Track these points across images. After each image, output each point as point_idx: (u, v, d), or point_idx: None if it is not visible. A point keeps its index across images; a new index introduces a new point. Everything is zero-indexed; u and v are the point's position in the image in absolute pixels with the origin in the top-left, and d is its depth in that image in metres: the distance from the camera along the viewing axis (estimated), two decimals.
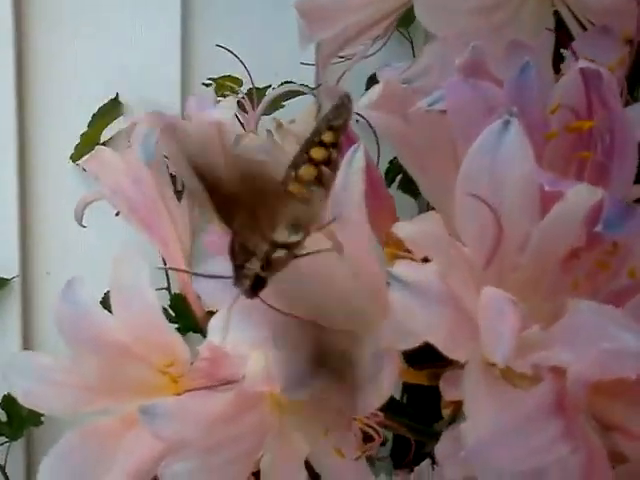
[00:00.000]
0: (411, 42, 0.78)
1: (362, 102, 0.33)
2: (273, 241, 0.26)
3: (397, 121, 0.33)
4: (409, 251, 0.25)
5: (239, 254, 0.25)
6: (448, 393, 0.32)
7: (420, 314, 0.21)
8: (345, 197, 0.28)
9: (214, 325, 0.26)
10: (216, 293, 0.29)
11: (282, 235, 0.26)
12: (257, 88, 0.59)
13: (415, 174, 0.35)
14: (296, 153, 0.29)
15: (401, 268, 0.21)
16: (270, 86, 0.66)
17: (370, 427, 0.30)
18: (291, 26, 0.44)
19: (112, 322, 0.31)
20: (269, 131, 0.34)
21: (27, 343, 0.77)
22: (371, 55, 0.47)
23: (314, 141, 0.29)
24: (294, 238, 0.26)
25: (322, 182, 0.28)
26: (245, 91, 0.58)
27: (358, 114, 0.34)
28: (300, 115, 0.38)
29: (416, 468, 0.41)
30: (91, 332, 0.31)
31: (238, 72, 0.64)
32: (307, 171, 0.28)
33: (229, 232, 0.26)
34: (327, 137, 0.28)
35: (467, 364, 0.23)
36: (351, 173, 0.28)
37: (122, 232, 0.79)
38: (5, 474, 0.72)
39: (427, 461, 0.41)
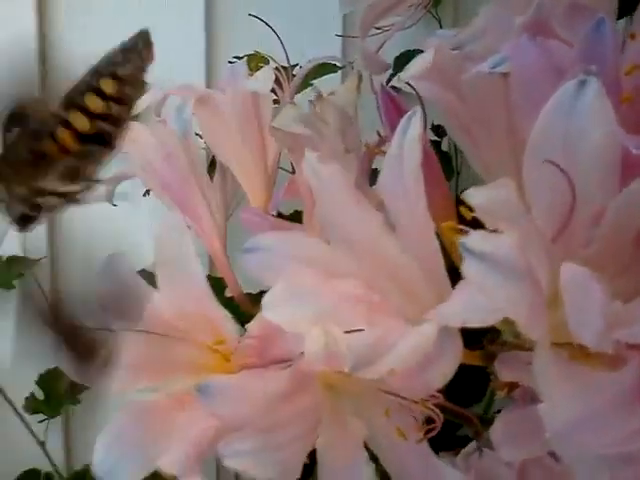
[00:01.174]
0: (439, 21, 0.76)
1: (409, 71, 0.32)
2: (41, 189, 0.27)
3: (448, 91, 0.32)
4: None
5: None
6: (504, 374, 0.31)
7: (501, 289, 0.19)
8: (399, 167, 0.27)
9: (268, 301, 0.25)
10: (268, 269, 0.28)
11: (52, 184, 0.27)
12: (284, 67, 0.58)
13: (466, 146, 0.34)
14: (71, 88, 0.26)
15: (475, 240, 0.20)
16: (298, 65, 0.65)
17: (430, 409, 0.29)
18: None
19: (157, 298, 0.31)
20: (311, 101, 0.33)
21: None
22: (405, 28, 0.45)
23: (91, 85, 0.25)
24: (68, 188, 0.27)
25: (98, 140, 0.26)
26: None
27: (408, 84, 0.33)
28: (341, 87, 0.37)
29: (463, 450, 0.41)
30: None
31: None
32: (79, 122, 0.26)
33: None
34: (108, 87, 0.25)
35: (538, 344, 0.22)
36: (406, 141, 0.27)
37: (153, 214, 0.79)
38: (45, 450, 0.73)
39: (473, 443, 0.40)
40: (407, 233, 0.28)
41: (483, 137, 0.32)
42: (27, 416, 0.74)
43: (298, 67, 0.61)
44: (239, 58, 0.71)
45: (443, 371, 0.25)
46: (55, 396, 0.74)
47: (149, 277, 0.76)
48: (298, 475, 0.28)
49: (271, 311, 0.25)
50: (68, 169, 0.27)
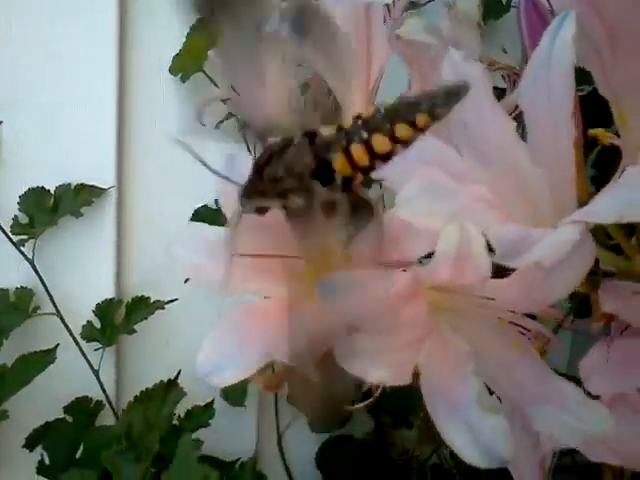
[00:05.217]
0: None
1: None
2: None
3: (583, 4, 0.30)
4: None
5: None
6: (606, 304, 0.30)
7: None
8: (546, 72, 0.26)
9: (403, 198, 0.25)
10: (397, 170, 0.27)
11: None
12: None
13: (595, 69, 0.32)
14: (373, 114, 0.26)
15: None
16: None
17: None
18: None
19: None
20: (447, 3, 0.32)
21: (120, 256, 0.78)
22: None
23: (405, 115, 0.25)
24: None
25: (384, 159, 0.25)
26: None
27: None
28: (462, 1, 0.35)
29: None
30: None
31: None
32: (380, 141, 0.25)
33: None
34: (421, 120, 0.24)
35: None
36: (557, 43, 0.25)
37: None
38: (99, 378, 0.75)
39: None
40: (542, 144, 0.27)
41: (616, 58, 0.31)
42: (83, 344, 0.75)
43: None
44: None
45: (574, 276, 0.25)
46: (110, 326, 0.75)
47: (212, 213, 0.76)
48: (408, 381, 0.28)
49: (405, 207, 0.25)
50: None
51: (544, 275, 0.25)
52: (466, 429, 0.27)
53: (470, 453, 0.27)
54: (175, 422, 0.70)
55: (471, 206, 0.25)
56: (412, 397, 0.29)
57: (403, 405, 0.80)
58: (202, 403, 0.74)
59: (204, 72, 0.74)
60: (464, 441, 0.27)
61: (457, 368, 0.29)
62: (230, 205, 0.29)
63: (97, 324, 0.75)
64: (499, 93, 0.30)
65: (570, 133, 0.26)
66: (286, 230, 0.31)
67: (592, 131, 0.26)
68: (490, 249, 0.24)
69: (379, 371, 0.27)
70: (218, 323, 0.30)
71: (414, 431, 0.82)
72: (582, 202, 0.28)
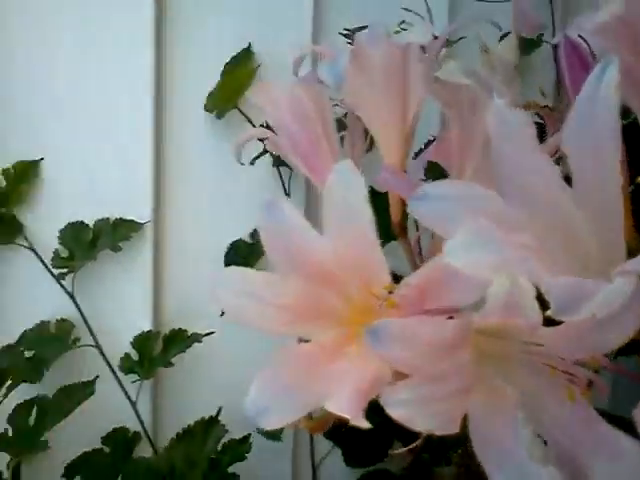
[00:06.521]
0: None
1: (588, 24, 0.30)
2: None
3: (623, 46, 0.30)
4: None
5: None
6: None
7: None
8: (590, 118, 0.26)
9: (451, 247, 0.25)
10: (439, 217, 0.27)
11: None
12: None
13: (636, 108, 0.32)
14: None
15: None
16: None
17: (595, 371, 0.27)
18: None
19: (320, 243, 0.30)
20: (483, 49, 0.32)
21: (157, 289, 0.79)
22: None
23: None
24: None
25: None
26: None
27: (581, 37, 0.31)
28: (499, 46, 0.36)
29: None
30: (297, 251, 0.30)
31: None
32: None
33: None
34: None
35: None
36: (602, 89, 0.25)
37: (251, 185, 0.80)
38: (136, 410, 0.75)
39: None
40: (588, 187, 0.27)
41: None
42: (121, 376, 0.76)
43: None
44: (349, 30, 0.71)
45: (629, 326, 0.24)
46: (148, 358, 0.76)
47: (248, 248, 0.77)
48: (457, 430, 0.28)
49: (454, 256, 0.25)
50: None
51: (596, 325, 0.24)
52: (517, 475, 0.27)
53: None
54: (212, 455, 0.70)
55: (520, 256, 0.25)
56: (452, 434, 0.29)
57: (442, 441, 0.79)
58: (238, 436, 0.74)
59: (239, 109, 0.76)
60: None
61: (506, 416, 0.29)
62: (271, 247, 0.30)
63: (135, 356, 0.76)
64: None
65: (618, 180, 0.26)
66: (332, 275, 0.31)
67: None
68: (540, 299, 0.24)
69: (426, 420, 0.26)
70: (266, 365, 0.30)
71: (452, 468, 0.81)
72: (630, 248, 0.28)
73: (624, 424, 0.29)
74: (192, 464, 0.57)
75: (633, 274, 0.23)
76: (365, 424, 0.26)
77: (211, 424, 0.65)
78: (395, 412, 0.26)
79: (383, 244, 0.51)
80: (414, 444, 0.33)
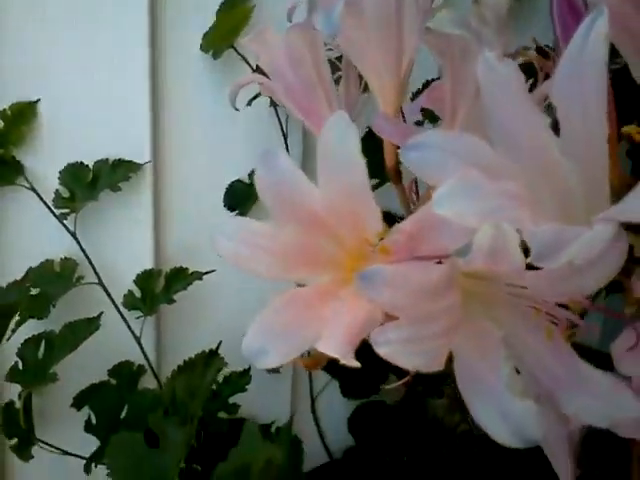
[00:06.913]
0: None
1: None
2: None
3: None
4: None
5: None
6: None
7: None
8: (578, 67, 0.27)
9: (439, 195, 0.26)
10: (429, 166, 0.28)
11: None
12: None
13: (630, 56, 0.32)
14: None
15: None
16: None
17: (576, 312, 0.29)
18: None
19: (315, 193, 0.31)
20: (475, 1, 0.32)
21: (158, 228, 0.81)
22: None
23: None
24: None
25: None
26: None
27: None
28: None
29: None
30: (292, 201, 0.31)
31: None
32: None
33: None
34: None
35: None
36: (590, 39, 0.26)
37: (249, 125, 0.80)
38: (140, 344, 0.78)
39: None
40: (575, 137, 0.28)
41: None
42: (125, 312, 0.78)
43: None
44: None
45: (607, 270, 0.26)
46: (151, 295, 0.78)
47: (246, 188, 0.78)
48: (441, 367, 0.29)
49: (442, 205, 0.26)
50: None
51: (576, 270, 0.26)
52: (497, 411, 0.29)
53: (500, 433, 0.28)
54: (214, 387, 0.74)
55: (504, 204, 0.26)
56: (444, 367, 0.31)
57: (435, 375, 0.82)
58: (239, 369, 0.77)
59: (235, 49, 0.75)
60: (495, 422, 0.29)
61: (490, 354, 0.30)
62: (267, 197, 0.31)
63: (138, 294, 0.78)
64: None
65: (604, 129, 0.27)
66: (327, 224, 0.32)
67: (625, 128, 0.27)
68: (524, 246, 0.25)
69: (412, 358, 0.28)
70: (264, 308, 0.32)
71: (444, 400, 0.84)
72: (618, 192, 0.29)
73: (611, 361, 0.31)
74: (193, 394, 0.61)
75: (612, 222, 0.24)
76: (355, 364, 0.28)
77: (211, 357, 0.68)
78: (383, 350, 0.28)
79: (382, 184, 0.51)
80: (407, 378, 0.35)
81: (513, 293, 0.31)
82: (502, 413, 0.29)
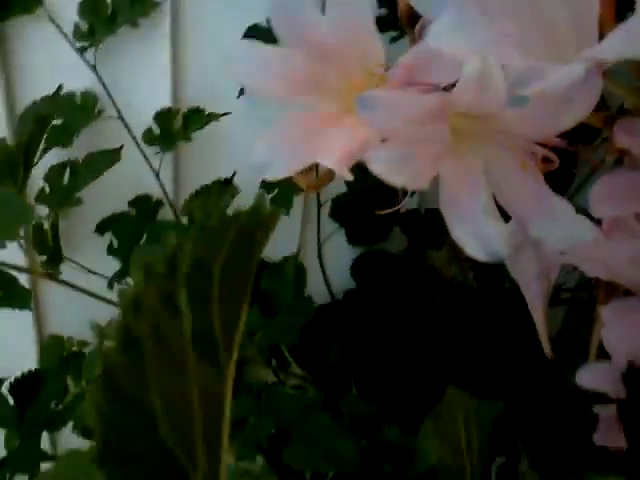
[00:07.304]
0: None
1: None
2: None
3: None
4: None
5: None
6: (620, 140, 0.34)
7: None
8: None
9: (435, 29, 0.28)
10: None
11: None
12: None
13: None
14: None
15: None
16: None
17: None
18: None
19: (323, 24, 0.34)
20: None
21: (176, 68, 0.82)
22: None
23: None
24: None
25: None
26: None
27: None
28: None
29: None
30: (302, 31, 0.34)
31: None
32: None
33: None
34: None
35: None
36: None
37: None
38: (159, 179, 0.83)
39: None
40: None
41: None
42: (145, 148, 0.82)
43: None
44: None
45: (580, 109, 0.28)
46: (169, 132, 0.81)
47: (265, 32, 0.78)
48: (426, 187, 0.33)
49: (437, 38, 0.28)
50: None
51: (553, 108, 0.29)
52: (472, 230, 0.33)
53: (474, 248, 0.33)
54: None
55: (497, 41, 0.28)
56: (444, 222, 0.34)
57: (435, 228, 0.87)
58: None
59: None
60: (470, 240, 0.33)
61: (471, 182, 0.34)
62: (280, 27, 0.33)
63: (156, 130, 0.81)
64: None
65: None
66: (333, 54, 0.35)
67: None
68: None
69: (400, 175, 0.32)
70: (271, 127, 0.35)
71: (443, 252, 0.90)
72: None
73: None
74: (208, 216, 0.66)
75: (586, 60, 0.26)
76: (349, 176, 0.31)
77: (225, 185, 0.73)
78: (375, 167, 0.31)
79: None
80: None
81: (498, 130, 0.34)
82: (476, 232, 0.33)
